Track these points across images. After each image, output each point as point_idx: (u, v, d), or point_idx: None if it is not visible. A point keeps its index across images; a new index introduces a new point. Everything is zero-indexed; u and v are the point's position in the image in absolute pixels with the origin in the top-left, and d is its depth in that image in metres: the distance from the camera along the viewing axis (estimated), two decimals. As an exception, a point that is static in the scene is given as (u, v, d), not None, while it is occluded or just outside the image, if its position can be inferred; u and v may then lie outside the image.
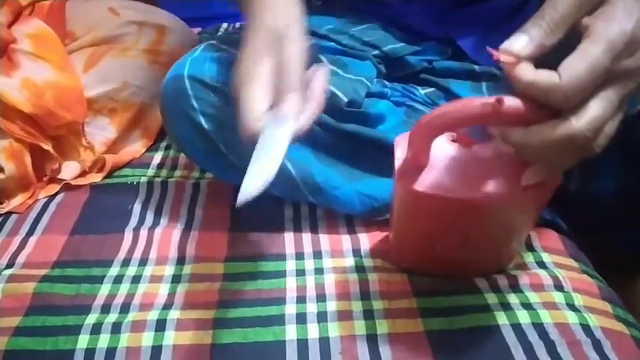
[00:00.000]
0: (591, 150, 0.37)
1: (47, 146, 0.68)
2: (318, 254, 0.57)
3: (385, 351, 0.47)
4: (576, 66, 0.33)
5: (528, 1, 0.64)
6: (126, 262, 0.57)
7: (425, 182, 0.42)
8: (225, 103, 0.55)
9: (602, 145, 0.37)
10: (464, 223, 0.45)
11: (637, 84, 0.36)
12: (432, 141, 0.41)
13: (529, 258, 0.56)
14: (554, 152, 0.36)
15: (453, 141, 0.44)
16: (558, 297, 0.51)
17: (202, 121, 0.55)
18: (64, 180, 0.70)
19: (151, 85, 0.76)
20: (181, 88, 0.55)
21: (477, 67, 0.64)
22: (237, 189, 0.62)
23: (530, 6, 0.64)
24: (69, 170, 0.71)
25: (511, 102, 0.36)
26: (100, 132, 0.73)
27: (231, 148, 0.56)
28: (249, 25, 0.47)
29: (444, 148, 0.43)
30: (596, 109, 0.34)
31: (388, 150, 0.47)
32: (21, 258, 0.58)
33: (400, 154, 0.45)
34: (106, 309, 0.51)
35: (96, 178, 0.71)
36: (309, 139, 0.58)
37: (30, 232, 0.62)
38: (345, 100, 0.57)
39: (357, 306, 0.51)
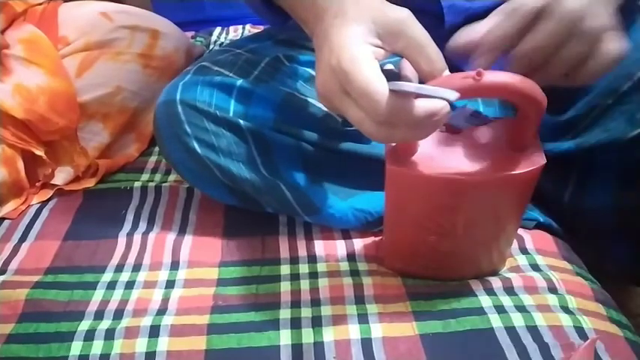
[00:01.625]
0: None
1: (39, 152, 0.68)
2: (312, 258, 0.57)
3: (380, 355, 0.47)
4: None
5: None
6: (119, 268, 0.57)
7: (413, 164, 0.45)
8: (217, 127, 0.55)
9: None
10: (451, 205, 0.46)
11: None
12: None
13: (523, 260, 0.56)
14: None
15: (441, 131, 0.47)
16: (552, 299, 0.51)
17: (196, 145, 0.55)
18: (57, 185, 0.69)
19: (144, 89, 0.76)
20: (174, 113, 0.55)
21: None
22: (229, 207, 0.62)
23: None
24: (62, 175, 0.70)
25: (491, 75, 0.39)
26: (94, 137, 0.73)
27: (225, 172, 0.56)
28: (320, 25, 0.42)
29: (431, 136, 0.45)
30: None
31: (382, 164, 0.47)
32: (14, 264, 0.58)
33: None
34: (99, 315, 0.51)
35: (89, 183, 0.70)
36: (304, 160, 0.58)
37: (23, 238, 0.62)
38: (340, 119, 0.58)
39: (351, 310, 0.51)
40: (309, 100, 0.58)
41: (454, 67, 0.66)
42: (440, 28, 0.61)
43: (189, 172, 0.58)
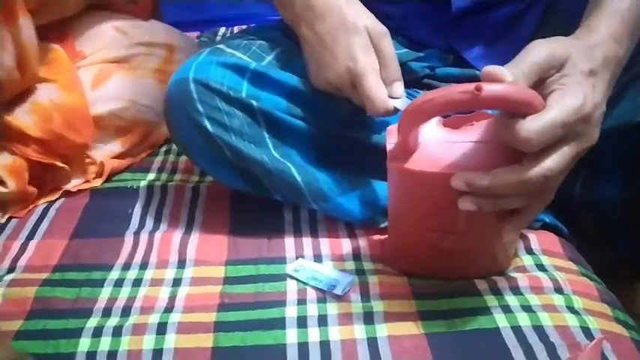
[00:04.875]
0: (540, 197, 0.44)
1: (62, 164, 0.67)
2: (318, 257, 0.57)
3: (385, 354, 0.47)
4: (536, 121, 0.40)
5: (526, 12, 0.65)
6: (126, 266, 0.57)
7: (414, 162, 0.46)
8: (230, 107, 0.55)
9: (543, 197, 0.44)
10: (451, 203, 0.45)
11: (589, 145, 0.43)
12: (419, 126, 0.44)
13: (528, 261, 0.56)
14: (510, 192, 0.42)
15: (444, 124, 0.48)
16: (558, 299, 0.51)
17: (207, 124, 0.55)
18: (66, 187, 0.69)
19: (158, 103, 0.74)
20: (186, 91, 0.55)
21: (478, 73, 0.65)
22: (236, 193, 0.63)
23: (529, 16, 0.65)
24: (73, 182, 0.70)
25: (490, 89, 0.39)
26: (105, 146, 0.73)
27: (235, 153, 0.56)
28: (322, 26, 0.53)
29: (432, 133, 0.46)
30: (551, 161, 0.41)
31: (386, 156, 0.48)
32: (22, 262, 0.58)
33: (392, 139, 0.47)
34: (106, 312, 0.51)
35: (95, 182, 0.71)
36: (315, 145, 0.58)
37: (30, 236, 0.62)
38: (350, 106, 0.58)
39: (357, 309, 0.51)
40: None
41: (459, 57, 0.66)
42: (447, 13, 0.62)
43: (199, 152, 0.58)
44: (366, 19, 0.53)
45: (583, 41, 0.46)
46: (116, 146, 0.73)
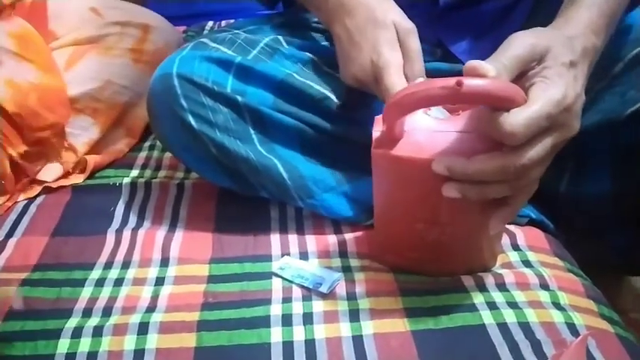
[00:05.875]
0: (523, 187, 0.44)
1: (14, 151, 0.65)
2: (304, 255, 0.57)
3: (371, 352, 0.46)
4: (521, 114, 0.40)
5: (514, 7, 0.65)
6: (108, 265, 0.56)
7: (397, 148, 0.46)
8: (214, 103, 0.54)
9: (526, 186, 0.44)
10: (435, 190, 0.45)
11: (570, 135, 0.44)
12: (402, 117, 0.45)
13: (514, 257, 0.56)
14: (491, 178, 0.42)
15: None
16: (544, 296, 0.51)
17: (191, 120, 0.54)
18: (46, 182, 0.68)
19: (135, 84, 0.75)
20: (170, 86, 0.54)
21: None
22: (222, 190, 0.62)
23: (517, 12, 0.65)
24: (50, 172, 0.69)
25: (471, 84, 0.39)
26: (83, 132, 0.72)
27: (220, 149, 0.55)
28: (351, 21, 0.53)
29: (418, 122, 0.46)
30: (533, 151, 0.41)
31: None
32: (0, 261, 0.57)
33: (378, 128, 0.48)
34: (87, 312, 0.50)
35: (78, 179, 0.70)
36: (302, 141, 0.57)
37: (9, 234, 0.61)
38: (338, 102, 0.57)
39: (343, 306, 0.50)
40: (308, 82, 0.58)
41: (447, 52, 0.66)
42: (435, 7, 0.62)
43: (184, 149, 0.57)
44: (394, 14, 0.53)
45: (562, 32, 0.47)
46: (93, 132, 0.72)
